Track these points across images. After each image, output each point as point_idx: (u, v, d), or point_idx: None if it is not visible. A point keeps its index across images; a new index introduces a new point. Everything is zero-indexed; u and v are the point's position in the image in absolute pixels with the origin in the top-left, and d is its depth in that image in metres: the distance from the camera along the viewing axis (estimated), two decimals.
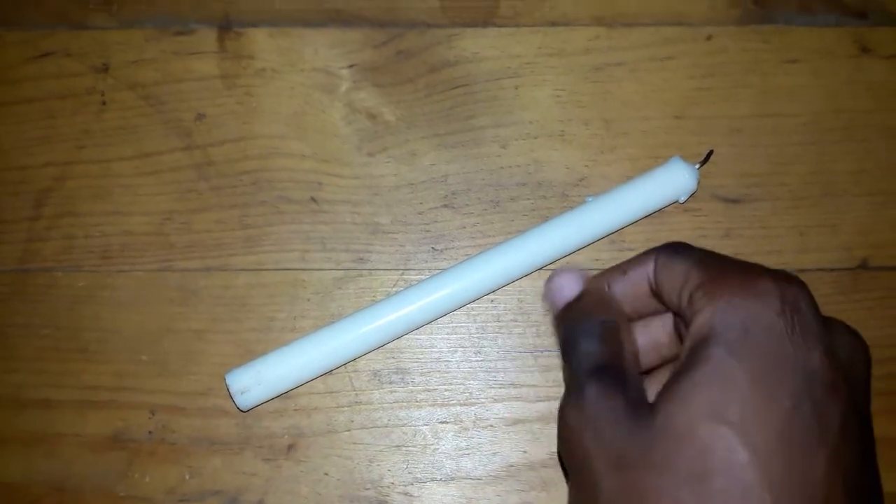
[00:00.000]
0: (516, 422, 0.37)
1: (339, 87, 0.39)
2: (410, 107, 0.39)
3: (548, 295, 0.26)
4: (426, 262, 0.38)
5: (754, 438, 0.20)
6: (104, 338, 0.37)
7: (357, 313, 0.36)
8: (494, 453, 0.36)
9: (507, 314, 0.37)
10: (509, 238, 0.37)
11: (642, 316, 0.27)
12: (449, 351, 0.37)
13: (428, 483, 0.36)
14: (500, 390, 0.37)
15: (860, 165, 0.39)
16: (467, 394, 0.37)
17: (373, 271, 0.38)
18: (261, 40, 0.40)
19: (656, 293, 0.25)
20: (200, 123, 0.39)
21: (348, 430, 0.36)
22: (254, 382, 0.35)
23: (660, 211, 0.37)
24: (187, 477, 0.36)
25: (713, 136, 0.39)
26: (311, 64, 0.39)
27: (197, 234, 0.38)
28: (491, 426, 0.37)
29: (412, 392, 0.37)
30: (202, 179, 0.39)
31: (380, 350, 0.37)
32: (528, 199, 0.38)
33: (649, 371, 0.28)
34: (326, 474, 0.36)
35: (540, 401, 0.37)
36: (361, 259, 0.38)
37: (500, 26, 0.40)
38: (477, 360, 0.37)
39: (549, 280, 0.26)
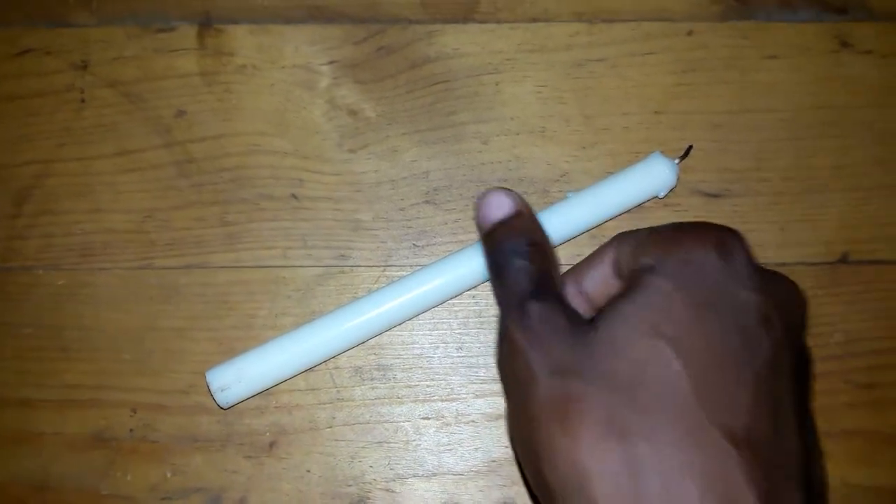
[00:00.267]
0: (498, 417, 0.37)
1: (320, 84, 0.39)
2: (391, 103, 0.39)
3: (479, 212, 0.26)
4: (408, 258, 0.38)
5: (688, 354, 0.21)
6: (85, 336, 0.37)
7: (338, 310, 0.36)
8: (476, 448, 0.36)
9: (488, 310, 0.37)
10: None
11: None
12: (430, 347, 0.37)
13: (410, 479, 0.36)
14: (481, 386, 0.37)
15: (840, 160, 0.39)
16: (449, 389, 0.37)
17: (354, 268, 0.38)
18: (241, 37, 0.40)
19: (619, 272, 0.26)
20: (181, 120, 0.39)
21: (330, 427, 0.36)
22: (234, 380, 0.34)
23: (640, 206, 0.37)
24: (169, 475, 0.36)
25: (693, 132, 0.39)
26: (291, 61, 0.39)
27: (177, 232, 0.38)
28: (473, 422, 0.37)
29: (394, 388, 0.37)
30: (182, 177, 0.38)
31: (361, 346, 0.37)
32: None
33: None
34: (308, 471, 0.36)
35: None
36: (343, 256, 0.38)
37: (480, 22, 0.40)
38: (458, 356, 0.37)
39: (482, 197, 0.26)
